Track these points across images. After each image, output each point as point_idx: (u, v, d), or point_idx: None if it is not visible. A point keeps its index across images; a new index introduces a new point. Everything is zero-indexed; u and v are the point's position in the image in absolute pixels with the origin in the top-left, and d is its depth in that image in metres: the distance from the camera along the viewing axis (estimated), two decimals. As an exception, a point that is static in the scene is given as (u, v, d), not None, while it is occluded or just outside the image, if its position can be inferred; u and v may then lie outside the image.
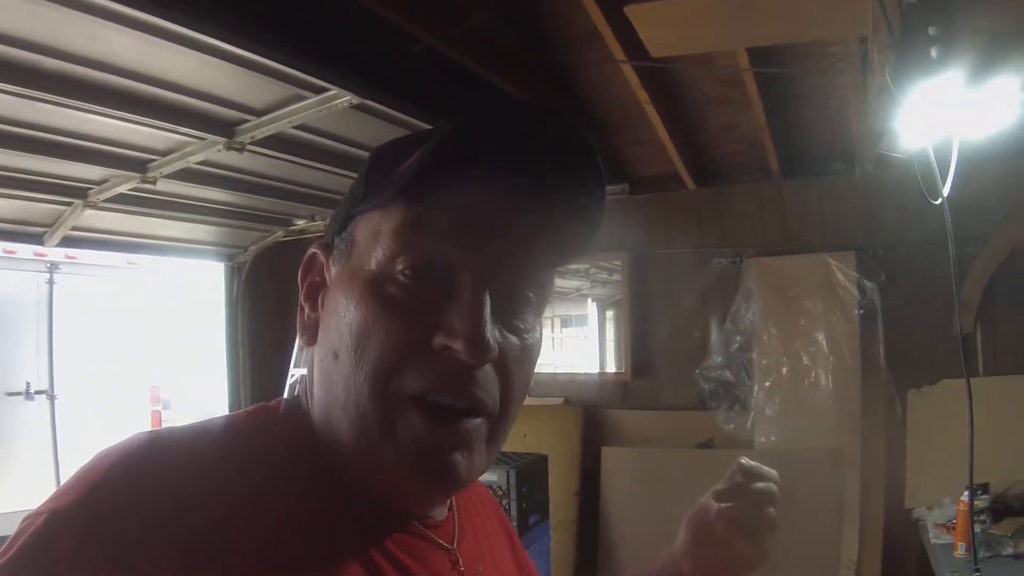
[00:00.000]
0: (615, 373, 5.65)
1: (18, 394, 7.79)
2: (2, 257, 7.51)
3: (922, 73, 2.22)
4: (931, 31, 2.19)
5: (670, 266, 5.42)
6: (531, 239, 0.84)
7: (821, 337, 4.72)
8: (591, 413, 5.61)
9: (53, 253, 7.48)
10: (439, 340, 0.78)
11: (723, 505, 1.15)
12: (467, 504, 1.04)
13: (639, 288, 5.52)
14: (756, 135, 4.55)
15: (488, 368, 0.82)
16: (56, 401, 7.98)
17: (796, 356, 4.79)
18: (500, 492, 4.37)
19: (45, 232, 5.68)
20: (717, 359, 4.99)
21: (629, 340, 5.52)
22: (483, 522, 1.08)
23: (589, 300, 5.95)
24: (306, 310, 0.93)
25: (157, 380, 8.79)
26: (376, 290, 0.81)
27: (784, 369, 4.82)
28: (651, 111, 4.25)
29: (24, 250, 7.29)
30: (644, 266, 5.52)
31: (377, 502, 0.86)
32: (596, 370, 5.80)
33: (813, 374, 4.74)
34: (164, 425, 8.42)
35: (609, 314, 5.75)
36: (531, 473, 4.53)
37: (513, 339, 0.86)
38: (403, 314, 0.80)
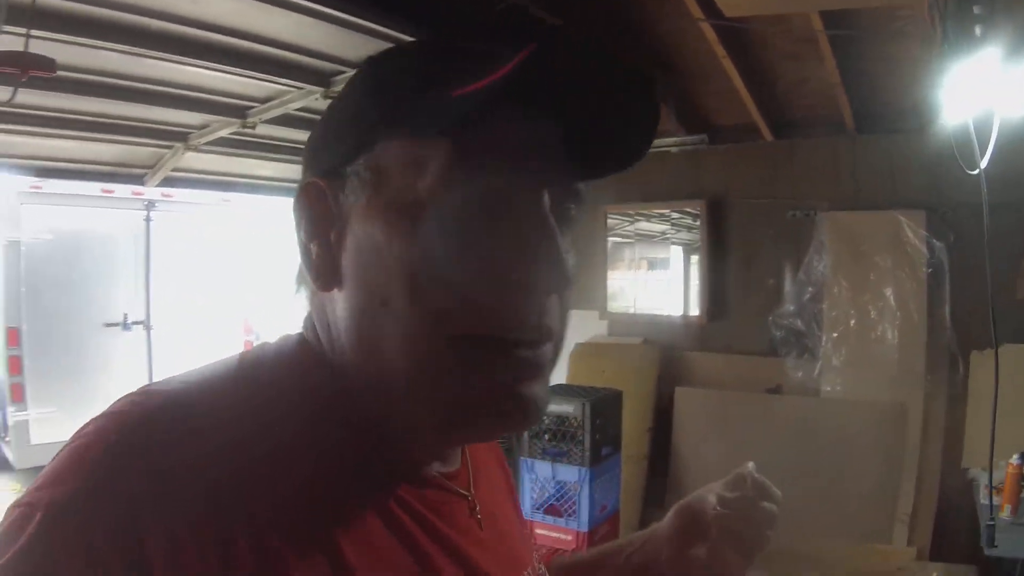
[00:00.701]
0: (692, 316, 5.85)
1: (116, 325, 8.16)
2: (100, 196, 7.84)
3: (966, 49, 2.37)
4: (976, 10, 2.34)
5: (746, 215, 5.59)
6: (586, 161, 0.81)
7: (889, 292, 4.80)
8: (668, 353, 5.86)
9: (150, 192, 7.76)
10: (517, 274, 0.75)
11: (722, 511, 1.13)
12: (474, 448, 1.00)
13: (717, 235, 5.71)
14: (831, 91, 4.65)
15: (555, 296, 0.79)
16: (152, 332, 8.38)
17: (864, 310, 4.89)
18: (575, 423, 4.61)
19: (146, 173, 6.07)
20: (789, 308, 5.14)
21: (706, 285, 5.73)
22: (486, 464, 1.05)
23: (672, 244, 6.11)
24: (314, 251, 0.82)
25: (249, 311, 9.17)
26: (432, 227, 0.74)
27: (852, 321, 4.93)
28: (728, 65, 4.41)
29: (122, 190, 7.59)
30: (722, 214, 5.70)
31: (409, 458, 0.84)
32: (677, 313, 5.96)
33: (880, 328, 4.83)
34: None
35: (694, 259, 5.89)
36: (606, 407, 4.73)
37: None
38: (467, 250, 0.74)
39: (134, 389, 0.75)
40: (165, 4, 3.43)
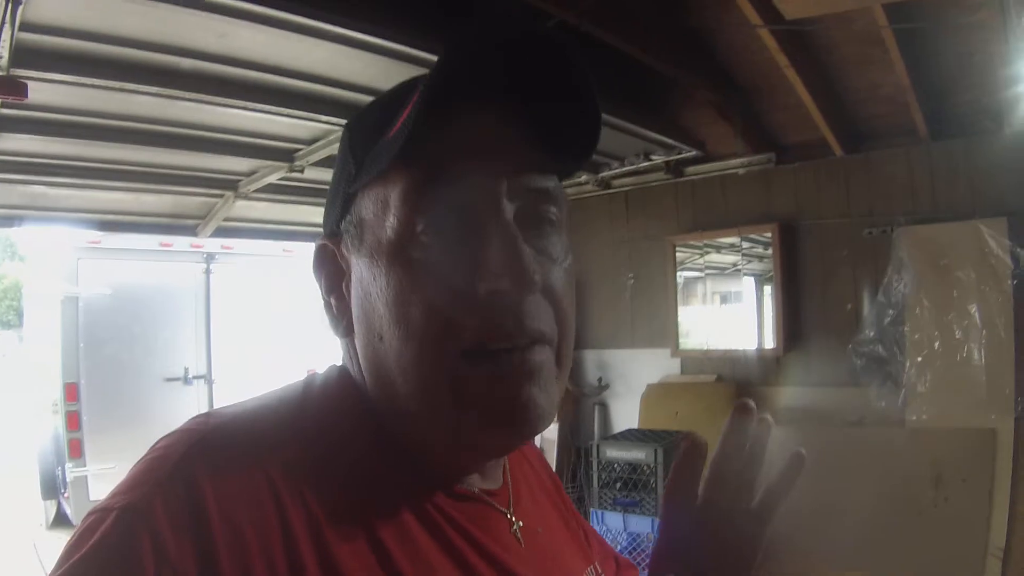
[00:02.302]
0: (767, 349, 5.68)
1: (177, 379, 8.41)
2: (159, 251, 8.15)
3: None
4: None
5: (821, 236, 5.42)
6: (535, 158, 0.86)
7: (974, 309, 4.59)
8: (744, 390, 5.68)
9: (209, 244, 8.06)
10: (484, 286, 0.79)
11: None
12: (518, 464, 1.07)
13: (790, 260, 5.55)
14: (901, 96, 4.50)
15: (537, 297, 0.83)
16: (214, 385, 8.58)
17: (948, 330, 4.69)
18: (647, 471, 4.48)
19: (198, 224, 6.12)
20: (869, 333, 4.96)
21: (781, 314, 5.55)
22: (532, 479, 1.10)
23: (744, 276, 5.96)
24: (333, 304, 0.94)
25: (313, 364, 9.14)
26: (402, 260, 0.82)
27: (936, 344, 4.72)
28: (792, 75, 4.29)
29: (180, 243, 7.93)
30: (795, 237, 5.54)
31: (444, 473, 0.90)
32: (751, 347, 5.79)
33: (965, 349, 4.62)
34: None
35: (767, 290, 5.73)
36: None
37: (547, 262, 0.86)
38: (437, 274, 0.80)
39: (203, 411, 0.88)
40: (192, 40, 3.42)
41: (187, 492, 0.71)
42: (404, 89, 0.90)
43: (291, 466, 0.77)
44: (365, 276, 0.86)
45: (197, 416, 0.84)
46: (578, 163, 0.92)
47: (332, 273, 0.94)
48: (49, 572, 0.70)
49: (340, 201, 0.91)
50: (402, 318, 0.81)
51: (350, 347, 0.93)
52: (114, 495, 0.73)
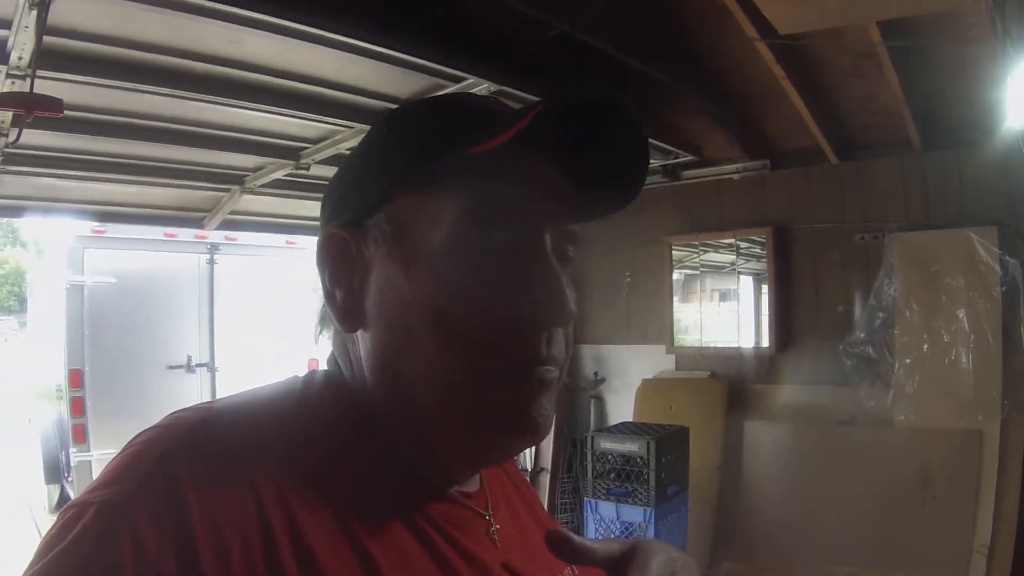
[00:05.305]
0: (761, 348, 5.72)
1: (180, 367, 8.40)
2: (163, 240, 8.14)
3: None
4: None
5: (814, 241, 5.46)
6: (579, 204, 0.92)
7: (962, 314, 4.64)
8: (736, 387, 5.73)
9: (213, 235, 7.95)
10: (528, 311, 0.84)
11: None
12: (493, 472, 1.08)
13: (784, 263, 5.59)
14: (895, 107, 4.53)
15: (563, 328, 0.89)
16: (217, 373, 8.58)
17: (937, 333, 4.74)
18: (640, 462, 4.53)
19: (204, 216, 6.14)
20: (860, 335, 5.01)
21: (774, 314, 5.60)
22: (508, 488, 1.12)
23: (740, 275, 5.99)
24: (338, 296, 0.92)
25: (315, 353, 9.13)
26: (451, 270, 0.84)
27: (925, 346, 4.77)
28: (788, 86, 4.32)
29: (185, 233, 7.92)
30: (789, 240, 5.59)
31: (429, 475, 0.91)
32: (746, 345, 5.83)
33: (953, 352, 4.66)
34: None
35: (764, 289, 5.76)
36: (672, 444, 4.70)
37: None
38: (484, 291, 0.83)
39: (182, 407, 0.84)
40: (207, 46, 3.46)
41: (169, 489, 0.70)
42: (471, 107, 0.94)
43: (275, 471, 0.77)
44: (399, 277, 0.86)
45: (179, 411, 0.83)
46: (608, 215, 0.98)
47: (343, 265, 0.91)
48: (26, 567, 0.69)
49: (372, 196, 0.90)
50: (441, 324, 0.83)
51: (351, 344, 0.93)
52: (92, 489, 0.72)
